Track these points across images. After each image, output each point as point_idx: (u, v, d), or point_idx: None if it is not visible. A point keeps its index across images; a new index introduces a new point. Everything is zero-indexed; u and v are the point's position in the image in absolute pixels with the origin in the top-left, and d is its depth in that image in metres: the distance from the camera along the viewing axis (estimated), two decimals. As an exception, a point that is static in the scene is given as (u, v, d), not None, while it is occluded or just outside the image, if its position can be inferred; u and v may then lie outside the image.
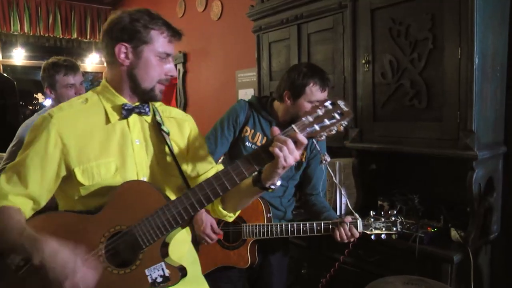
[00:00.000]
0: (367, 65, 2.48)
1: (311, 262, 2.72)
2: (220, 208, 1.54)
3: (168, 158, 1.49)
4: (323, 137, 1.28)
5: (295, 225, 2.04)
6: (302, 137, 1.24)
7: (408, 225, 2.10)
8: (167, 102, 6.66)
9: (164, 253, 1.37)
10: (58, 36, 6.58)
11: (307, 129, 1.25)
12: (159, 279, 1.33)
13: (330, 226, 2.00)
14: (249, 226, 2.11)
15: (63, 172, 1.37)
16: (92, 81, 7.72)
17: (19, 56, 6.73)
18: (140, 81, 1.40)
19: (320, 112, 1.26)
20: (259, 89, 3.53)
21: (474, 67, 2.01)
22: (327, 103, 1.26)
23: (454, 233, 2.15)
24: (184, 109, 5.24)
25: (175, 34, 1.43)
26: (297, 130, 1.25)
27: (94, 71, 7.47)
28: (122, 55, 1.37)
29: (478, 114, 2.05)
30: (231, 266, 2.16)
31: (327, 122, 1.26)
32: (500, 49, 2.21)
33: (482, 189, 2.14)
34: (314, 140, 2.24)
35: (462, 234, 2.12)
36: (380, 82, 2.44)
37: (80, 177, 1.36)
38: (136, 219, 1.32)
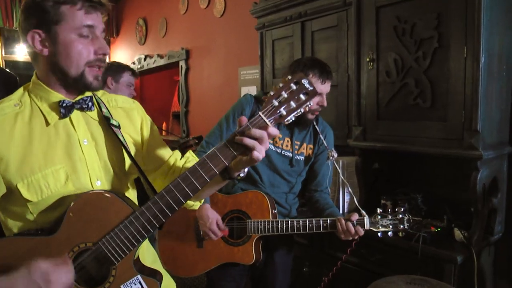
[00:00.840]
0: (372, 64, 2.47)
1: (313, 261, 2.71)
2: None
3: (123, 155, 1.34)
4: (291, 120, 1.17)
5: (300, 221, 2.02)
6: (273, 130, 1.15)
7: (415, 223, 2.06)
8: (170, 98, 6.66)
9: (139, 266, 1.28)
10: (60, 32, 6.60)
11: (274, 115, 1.15)
12: None
13: (329, 224, 1.98)
14: (254, 222, 2.09)
15: (3, 190, 1.18)
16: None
17: (21, 52, 6.73)
18: (66, 69, 1.20)
19: (284, 94, 1.15)
20: (262, 87, 3.52)
21: (480, 66, 1.99)
22: (291, 84, 1.16)
23: (457, 233, 2.13)
24: (187, 105, 5.23)
25: (92, 3, 1.19)
26: (267, 122, 1.14)
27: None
28: (38, 44, 1.19)
29: (483, 114, 2.03)
30: (235, 262, 2.15)
31: (293, 104, 1.15)
32: (506, 49, 2.19)
33: (486, 189, 2.12)
34: (321, 136, 2.23)
35: (466, 234, 2.10)
36: (385, 81, 2.42)
37: (25, 193, 1.17)
38: (102, 234, 1.19)
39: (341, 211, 2.65)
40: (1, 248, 1.17)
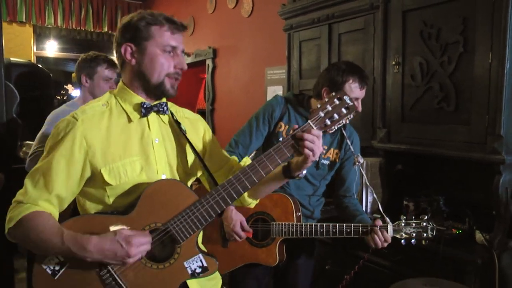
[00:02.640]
0: (397, 67, 2.51)
1: (335, 259, 2.76)
2: (245, 196, 1.60)
3: (187, 156, 1.56)
4: (333, 129, 1.41)
5: (324, 226, 2.06)
6: (318, 132, 1.38)
7: (438, 231, 2.07)
8: (195, 95, 6.78)
9: (198, 247, 1.45)
10: (89, 30, 6.83)
11: (320, 124, 1.39)
12: (198, 270, 1.43)
13: (360, 229, 2.01)
14: (279, 225, 2.13)
15: (88, 174, 1.40)
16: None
17: (51, 48, 6.96)
18: (149, 77, 1.44)
19: (329, 107, 1.39)
20: (288, 87, 3.59)
21: (505, 71, 2.02)
22: (335, 99, 1.40)
23: (479, 236, 2.17)
24: (212, 103, 5.33)
25: (177, 26, 1.45)
26: (314, 126, 1.38)
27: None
28: (128, 55, 1.43)
29: (507, 118, 2.06)
30: (258, 263, 2.20)
31: (336, 116, 1.40)
32: (531, 55, 2.21)
33: (509, 194, 2.15)
34: (348, 141, 2.28)
35: (487, 237, 2.14)
36: (410, 84, 2.46)
37: (107, 177, 1.39)
38: (171, 216, 1.40)
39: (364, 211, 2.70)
40: (82, 223, 1.39)
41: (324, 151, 2.27)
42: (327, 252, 2.77)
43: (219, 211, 1.41)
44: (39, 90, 4.58)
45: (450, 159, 2.37)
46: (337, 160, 2.30)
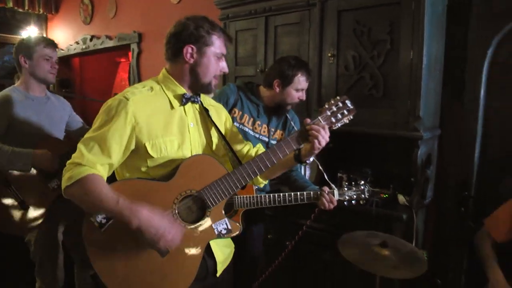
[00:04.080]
0: (332, 58, 2.93)
1: (277, 229, 3.08)
2: (258, 177, 1.87)
3: (214, 139, 1.83)
4: (337, 127, 1.77)
5: (281, 195, 2.39)
6: (323, 125, 1.71)
7: (373, 192, 2.51)
8: (109, 79, 6.72)
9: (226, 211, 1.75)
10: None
11: (328, 120, 1.74)
12: (224, 231, 1.71)
13: (312, 195, 2.37)
14: (241, 197, 2.41)
15: (133, 146, 1.62)
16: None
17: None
18: (201, 76, 1.71)
19: (334, 108, 1.76)
20: (224, 73, 3.83)
21: (423, 66, 2.53)
22: (339, 102, 1.77)
23: (401, 198, 2.69)
24: (136, 87, 5.36)
25: (229, 38, 1.77)
26: (323, 122, 1.73)
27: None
28: (188, 55, 1.67)
29: (424, 103, 2.58)
30: None
31: (339, 116, 1.76)
32: (439, 54, 2.77)
33: (424, 163, 2.69)
34: (292, 123, 2.65)
35: (408, 199, 2.66)
36: (343, 74, 2.90)
37: (150, 150, 1.62)
38: (204, 185, 1.66)
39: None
40: (130, 184, 1.64)
41: (272, 132, 2.62)
42: (269, 224, 3.05)
43: (244, 184, 1.71)
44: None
45: (375, 137, 2.85)
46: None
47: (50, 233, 2.71)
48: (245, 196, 2.43)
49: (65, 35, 6.61)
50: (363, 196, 2.39)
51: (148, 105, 1.65)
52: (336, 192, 2.38)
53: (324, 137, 1.70)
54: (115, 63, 6.72)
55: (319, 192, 2.37)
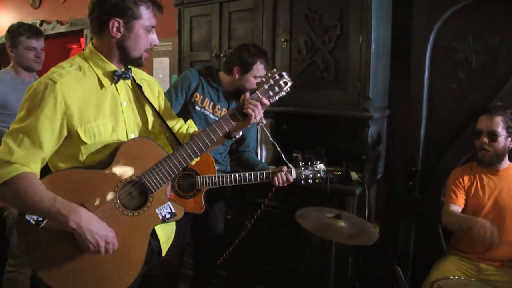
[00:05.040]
0: (285, 43, 3.04)
1: (236, 210, 3.19)
2: None
3: (150, 117, 1.74)
4: (275, 99, 1.79)
5: (242, 174, 2.51)
6: (266, 101, 1.73)
7: (328, 171, 2.65)
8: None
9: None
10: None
11: (267, 94, 1.74)
12: (168, 215, 1.67)
13: (270, 174, 2.51)
14: (203, 177, 2.52)
15: (65, 133, 1.51)
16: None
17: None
18: (130, 51, 1.59)
19: (271, 81, 1.75)
20: (179, 58, 3.85)
21: (371, 50, 2.68)
22: (276, 75, 1.76)
23: (354, 175, 2.85)
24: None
25: (159, 8, 1.62)
26: (261, 96, 1.73)
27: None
28: (115, 29, 1.54)
29: (373, 85, 2.73)
30: (186, 212, 2.57)
31: (277, 89, 1.76)
32: (386, 39, 2.93)
33: (374, 141, 2.86)
34: None
35: (360, 175, 2.83)
36: (296, 58, 3.01)
37: (83, 136, 1.52)
38: (144, 169, 1.61)
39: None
40: (65, 175, 1.55)
41: None
42: (227, 205, 3.08)
43: (185, 165, 1.68)
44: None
45: (328, 117, 3.00)
46: None
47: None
48: (207, 176, 2.52)
49: (11, 19, 6.33)
50: (319, 175, 2.54)
51: (78, 86, 1.52)
52: (293, 171, 2.51)
53: (260, 112, 1.71)
54: (66, 49, 6.56)
55: (278, 171, 2.50)
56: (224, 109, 2.69)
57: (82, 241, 1.47)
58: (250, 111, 1.70)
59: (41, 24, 5.71)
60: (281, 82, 1.77)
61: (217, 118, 2.63)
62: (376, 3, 2.66)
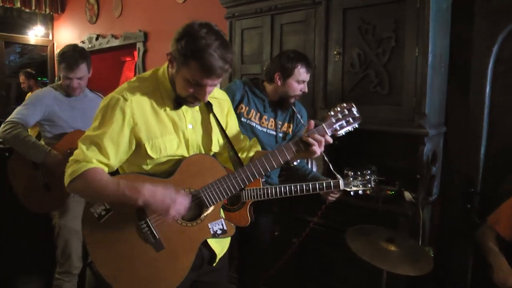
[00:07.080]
0: (338, 56, 2.95)
1: (283, 226, 3.11)
2: None
3: (214, 139, 1.80)
4: (342, 134, 1.72)
5: (287, 186, 2.43)
6: (329, 138, 1.68)
7: (379, 182, 2.51)
8: (115, 78, 6.76)
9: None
10: (-2, 4, 6.35)
11: (332, 127, 1.70)
12: (219, 232, 1.72)
13: (317, 186, 2.41)
14: (248, 190, 2.45)
15: (134, 147, 1.63)
16: (26, 52, 7.43)
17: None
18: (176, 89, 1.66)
19: (340, 115, 1.71)
20: (231, 71, 3.88)
21: (428, 63, 2.54)
22: (345, 109, 1.72)
23: (407, 194, 2.70)
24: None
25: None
26: (326, 129, 1.68)
27: (38, 44, 7.30)
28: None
29: (429, 100, 2.59)
30: None
31: (344, 123, 1.72)
32: (444, 51, 2.78)
33: (430, 160, 2.71)
34: (298, 116, 2.67)
35: (414, 195, 2.68)
36: (349, 71, 2.92)
37: (150, 151, 1.63)
38: (203, 184, 1.68)
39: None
40: (132, 177, 1.64)
41: (280, 126, 2.65)
42: (274, 220, 3.04)
43: (243, 186, 1.71)
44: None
45: (383, 133, 2.86)
46: (290, 132, 2.70)
47: (71, 221, 2.82)
48: (252, 188, 2.46)
49: (70, 34, 6.67)
50: (369, 185, 2.39)
51: (146, 104, 1.63)
52: (341, 181, 2.38)
53: (321, 148, 1.67)
54: (120, 62, 6.77)
55: (324, 183, 2.39)
56: (272, 119, 2.63)
57: (154, 210, 1.57)
58: (314, 148, 1.65)
59: (97, 38, 5.93)
60: (350, 118, 1.73)
61: (264, 129, 2.59)
62: (433, 12, 2.53)
